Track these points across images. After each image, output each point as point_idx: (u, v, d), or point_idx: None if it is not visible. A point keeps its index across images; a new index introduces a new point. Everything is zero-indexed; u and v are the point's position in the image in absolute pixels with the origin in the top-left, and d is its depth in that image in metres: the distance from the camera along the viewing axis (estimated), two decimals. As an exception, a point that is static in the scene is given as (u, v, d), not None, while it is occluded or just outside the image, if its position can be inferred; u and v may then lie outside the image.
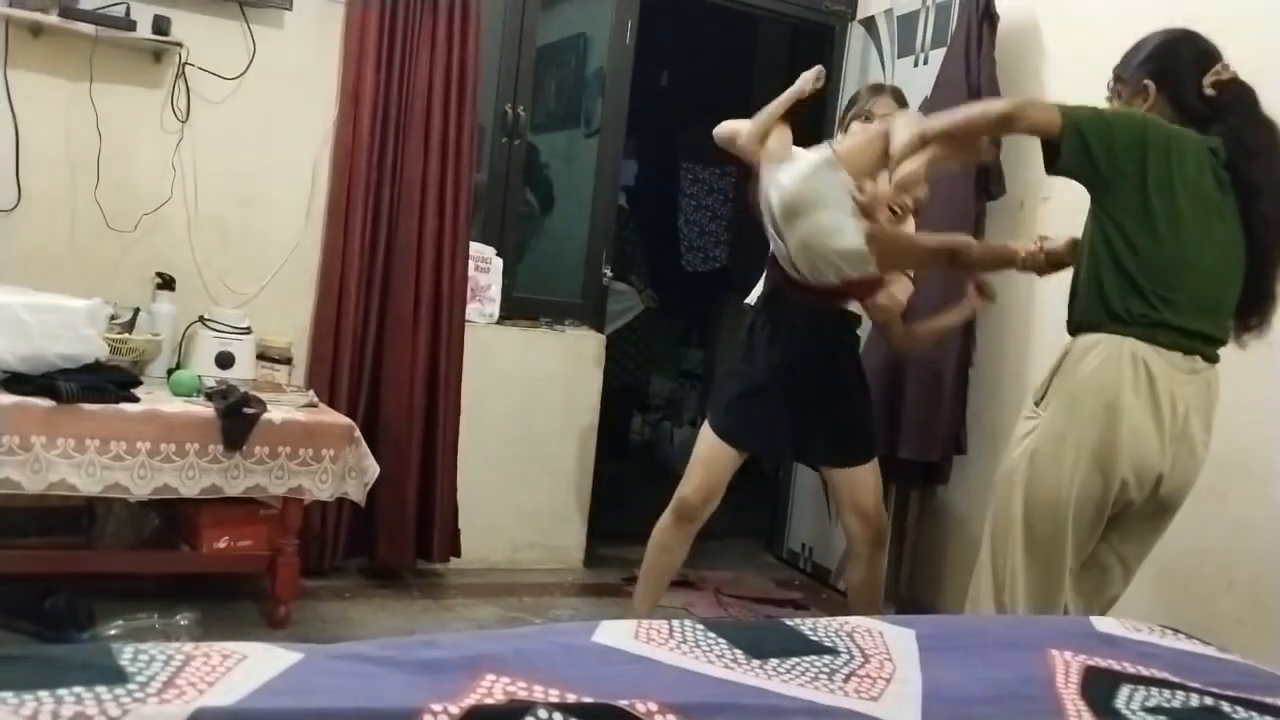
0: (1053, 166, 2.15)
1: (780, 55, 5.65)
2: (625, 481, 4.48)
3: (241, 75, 3.32)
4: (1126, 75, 2.27)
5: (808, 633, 1.42)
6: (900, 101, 2.96)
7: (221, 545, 3.04)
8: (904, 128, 2.22)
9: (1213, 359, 2.20)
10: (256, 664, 1.15)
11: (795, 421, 2.94)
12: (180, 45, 3.20)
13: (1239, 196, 2.14)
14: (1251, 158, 2.13)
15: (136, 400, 2.81)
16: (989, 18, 3.47)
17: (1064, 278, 2.33)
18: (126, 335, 3.04)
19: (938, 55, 3.62)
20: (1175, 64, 2.22)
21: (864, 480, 2.96)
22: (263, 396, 2.99)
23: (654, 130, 6.14)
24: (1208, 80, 2.18)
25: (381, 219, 3.45)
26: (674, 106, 6.12)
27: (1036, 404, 2.22)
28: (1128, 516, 2.21)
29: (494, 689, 1.14)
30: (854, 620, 1.47)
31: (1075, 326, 2.22)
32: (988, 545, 2.24)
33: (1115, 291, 2.12)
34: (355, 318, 3.43)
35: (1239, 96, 2.19)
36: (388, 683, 1.13)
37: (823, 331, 2.95)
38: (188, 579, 3.11)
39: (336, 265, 3.40)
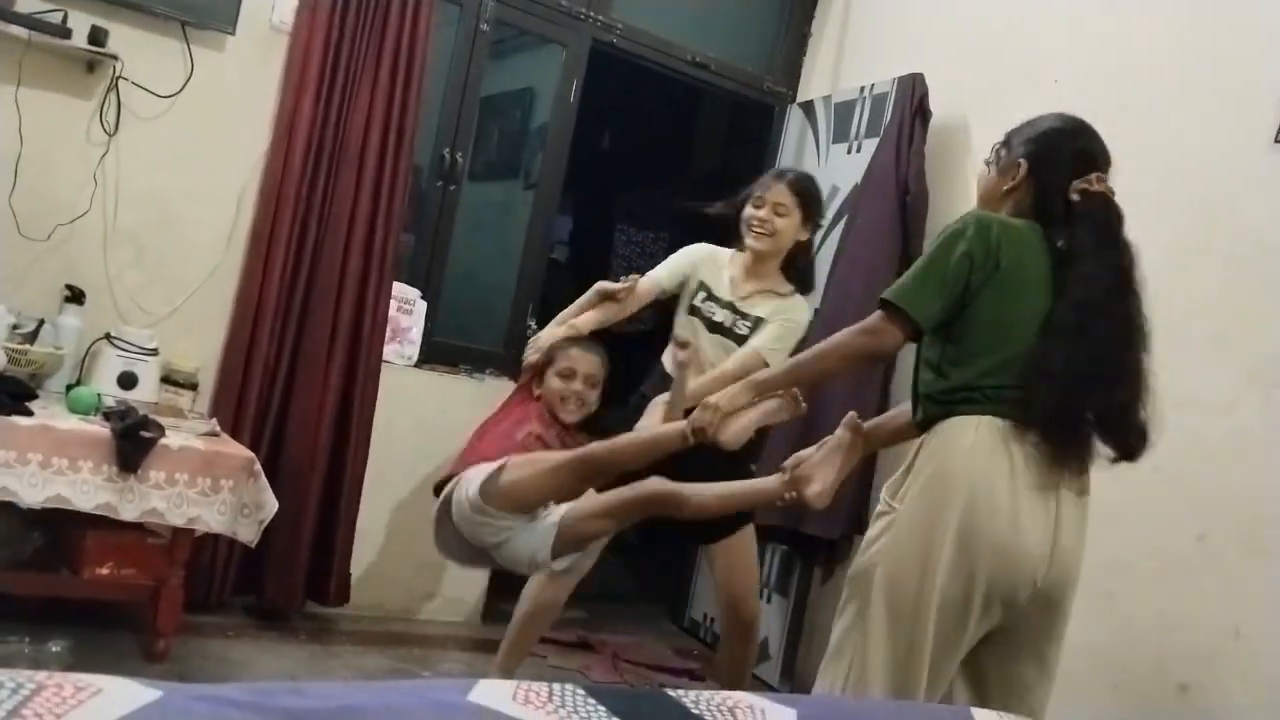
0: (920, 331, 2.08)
1: (720, 129, 5.75)
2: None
3: (176, 94, 3.27)
4: (1009, 147, 2.20)
5: (689, 705, 1.40)
6: (798, 192, 2.97)
7: (104, 571, 2.94)
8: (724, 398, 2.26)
9: None
10: (110, 699, 1.10)
11: None
12: (115, 58, 3.15)
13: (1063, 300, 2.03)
14: (1080, 282, 2.02)
15: (30, 414, 2.72)
16: (922, 113, 3.58)
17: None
18: (28, 346, 2.95)
19: (871, 144, 3.72)
20: (1053, 155, 2.13)
21: (738, 562, 3.03)
22: (163, 421, 2.90)
23: (593, 190, 6.20)
24: (1078, 186, 2.08)
25: (305, 251, 3.40)
26: (614, 168, 6.19)
27: (891, 498, 2.08)
28: (1018, 625, 2.05)
29: (358, 743, 1.10)
30: (736, 695, 1.45)
31: (926, 420, 2.12)
32: (839, 650, 2.10)
33: (969, 372, 2.03)
34: (268, 348, 3.36)
35: (1098, 212, 2.07)
36: (246, 730, 1.09)
37: None
38: (66, 604, 2.98)
39: (254, 293, 3.34)
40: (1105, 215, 2.07)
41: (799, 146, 4.21)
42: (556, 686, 1.37)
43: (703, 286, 3.05)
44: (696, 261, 3.08)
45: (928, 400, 2.11)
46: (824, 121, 4.08)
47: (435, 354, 3.84)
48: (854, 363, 2.17)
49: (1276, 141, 2.65)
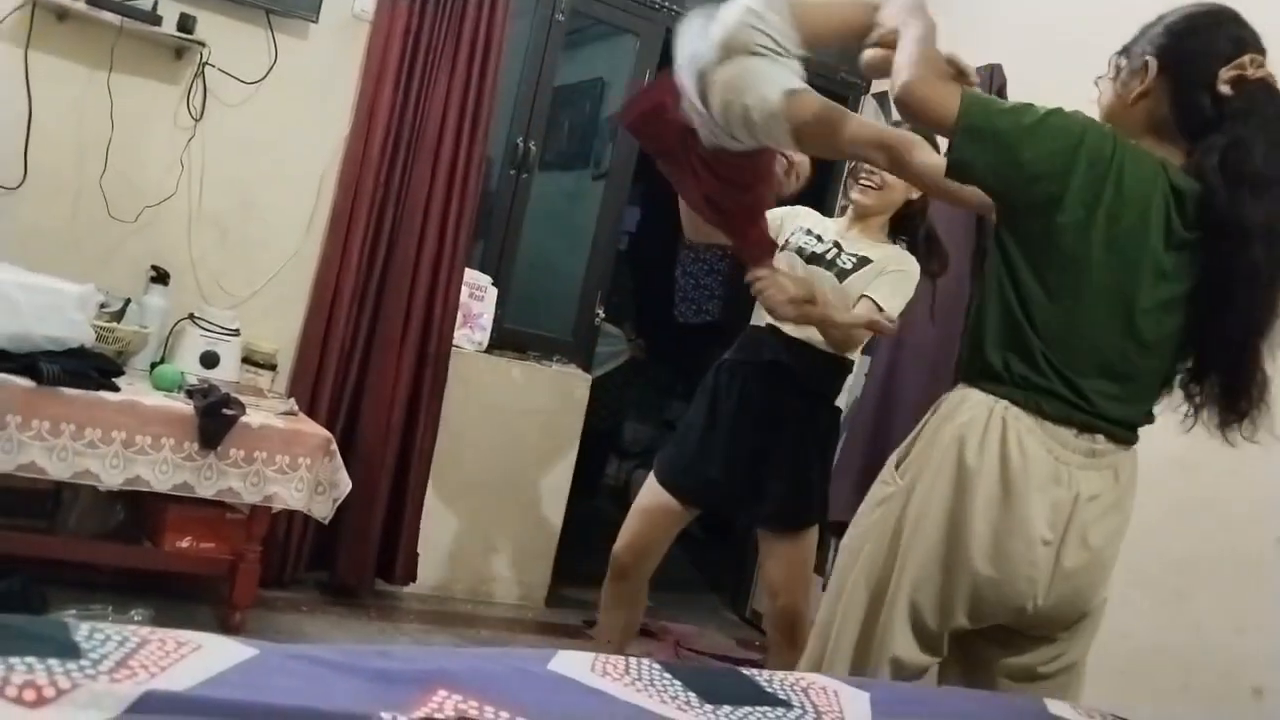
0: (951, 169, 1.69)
1: (792, 120, 5.73)
2: (595, 523, 4.46)
3: (260, 80, 3.35)
4: (1133, 48, 1.74)
5: (763, 684, 1.41)
6: None
7: (184, 545, 3.02)
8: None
9: (1123, 440, 1.71)
10: (211, 654, 1.14)
11: (739, 472, 2.65)
12: (203, 45, 3.23)
13: (1214, 240, 1.60)
14: (1250, 185, 1.56)
15: (117, 390, 2.80)
16: (998, 103, 3.53)
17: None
18: (115, 324, 3.03)
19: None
20: (1192, 44, 1.67)
21: (785, 555, 2.68)
22: (243, 399, 2.98)
23: (661, 181, 6.19)
24: (1227, 74, 1.61)
25: (382, 237, 3.47)
26: (683, 159, 6.16)
27: (895, 468, 1.76)
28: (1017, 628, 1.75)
29: (445, 704, 1.13)
30: (810, 676, 1.46)
31: (955, 378, 1.77)
32: (820, 625, 1.83)
33: (996, 339, 1.67)
34: (344, 331, 3.43)
35: (1259, 102, 1.60)
36: (340, 687, 1.12)
37: (797, 379, 2.64)
38: (146, 576, 3.07)
39: (331, 278, 3.41)
40: (1273, 108, 1.60)
41: (871, 138, 4.18)
42: (633, 661, 1.39)
43: (802, 229, 2.72)
44: (798, 210, 2.75)
45: (966, 356, 1.74)
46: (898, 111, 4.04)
47: (504, 340, 3.89)
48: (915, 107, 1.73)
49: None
